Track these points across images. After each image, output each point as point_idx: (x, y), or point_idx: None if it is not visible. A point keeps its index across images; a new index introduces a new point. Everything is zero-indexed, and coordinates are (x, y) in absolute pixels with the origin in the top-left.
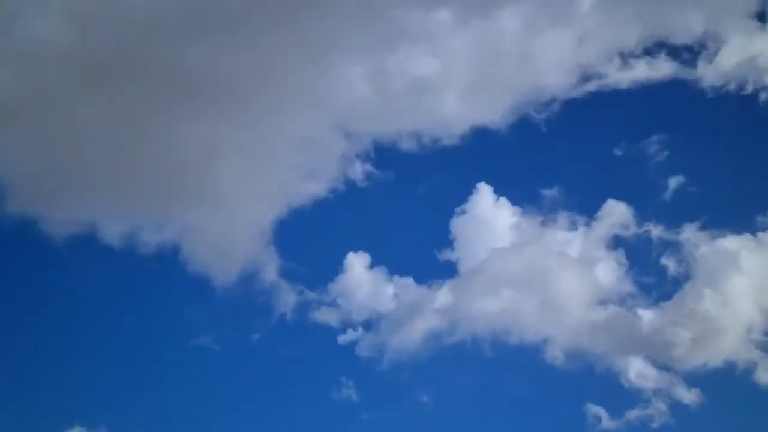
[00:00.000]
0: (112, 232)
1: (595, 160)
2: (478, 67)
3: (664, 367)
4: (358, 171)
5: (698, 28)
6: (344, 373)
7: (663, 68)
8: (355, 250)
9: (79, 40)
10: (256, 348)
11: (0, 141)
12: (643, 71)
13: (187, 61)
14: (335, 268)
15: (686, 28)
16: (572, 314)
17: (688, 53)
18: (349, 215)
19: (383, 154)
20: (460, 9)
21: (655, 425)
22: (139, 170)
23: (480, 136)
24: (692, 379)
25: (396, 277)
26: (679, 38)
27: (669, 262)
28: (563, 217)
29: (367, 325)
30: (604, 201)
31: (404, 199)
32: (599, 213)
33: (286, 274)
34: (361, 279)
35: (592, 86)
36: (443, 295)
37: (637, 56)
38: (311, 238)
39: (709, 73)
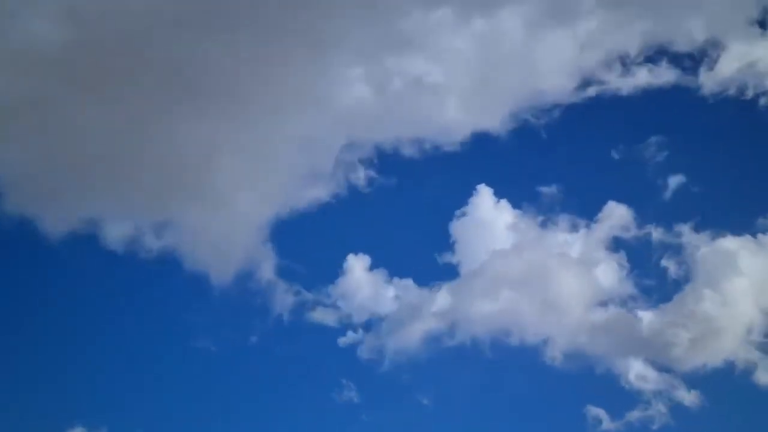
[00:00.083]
0: (111, 232)
1: (595, 162)
2: (479, 72)
3: (664, 368)
4: (361, 177)
5: (700, 35)
6: (345, 375)
7: (664, 75)
8: (356, 252)
9: (78, 40)
10: (256, 349)
11: None
12: (644, 78)
13: (187, 61)
14: (336, 270)
15: (688, 34)
16: (572, 316)
17: (689, 60)
18: (350, 218)
19: (385, 160)
20: (461, 12)
21: (655, 427)
22: (138, 170)
23: (481, 141)
24: (692, 380)
25: (396, 279)
26: (681, 45)
27: (669, 264)
28: (564, 219)
29: (368, 327)
30: (604, 203)
31: (405, 202)
32: (600, 215)
33: (286, 275)
34: (361, 281)
35: (592, 92)
36: (443, 297)
37: (639, 63)
38: (312, 240)
39: (710, 80)
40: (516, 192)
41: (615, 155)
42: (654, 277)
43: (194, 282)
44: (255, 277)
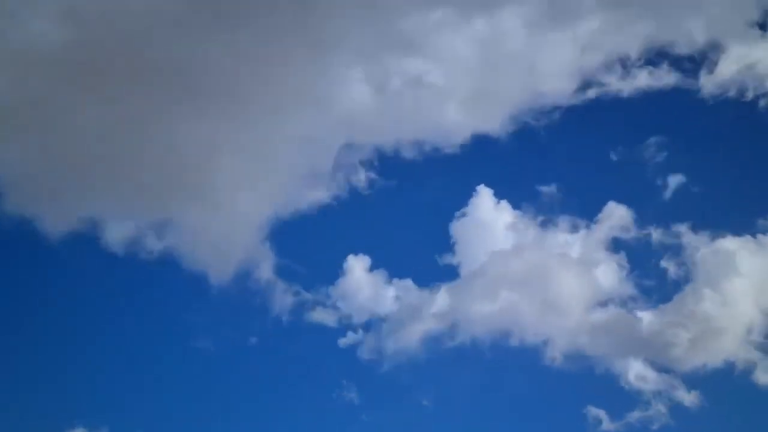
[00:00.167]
0: (111, 232)
1: (595, 162)
2: (479, 73)
3: (664, 368)
4: (361, 179)
5: (700, 37)
6: (345, 376)
7: (664, 77)
8: (356, 252)
9: (78, 40)
10: (256, 349)
11: None
12: (644, 79)
13: (187, 61)
14: (336, 270)
15: (688, 36)
16: (572, 316)
17: (689, 62)
18: (350, 219)
19: (386, 162)
20: (461, 13)
21: (655, 427)
22: (138, 170)
23: (481, 142)
24: (692, 380)
25: (396, 280)
26: (681, 47)
27: (669, 264)
28: (564, 220)
29: (368, 328)
30: (604, 203)
31: (405, 203)
32: (600, 215)
33: (286, 275)
34: (361, 281)
35: (593, 93)
36: (443, 298)
37: (639, 65)
38: (312, 240)
39: (710, 82)
40: (516, 193)
41: (615, 156)
42: (654, 277)
43: (194, 282)
44: (254, 277)
